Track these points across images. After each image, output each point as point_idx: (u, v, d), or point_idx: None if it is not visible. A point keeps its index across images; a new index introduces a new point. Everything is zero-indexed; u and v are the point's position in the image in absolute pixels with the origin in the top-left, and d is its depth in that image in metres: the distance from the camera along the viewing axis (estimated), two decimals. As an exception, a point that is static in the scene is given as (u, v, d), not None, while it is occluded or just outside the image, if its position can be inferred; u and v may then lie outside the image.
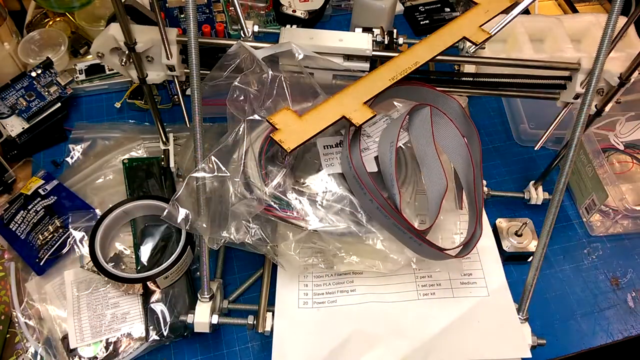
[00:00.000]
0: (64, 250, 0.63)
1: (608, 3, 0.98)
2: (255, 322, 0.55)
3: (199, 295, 0.56)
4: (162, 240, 0.62)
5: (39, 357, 0.56)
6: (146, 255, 0.61)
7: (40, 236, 0.63)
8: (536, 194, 0.69)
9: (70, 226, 0.64)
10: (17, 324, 0.58)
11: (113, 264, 0.61)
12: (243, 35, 0.59)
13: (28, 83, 0.75)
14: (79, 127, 0.76)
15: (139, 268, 0.60)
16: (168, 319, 0.58)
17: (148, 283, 0.58)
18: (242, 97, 0.55)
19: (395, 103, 0.58)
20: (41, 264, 0.61)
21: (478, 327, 0.54)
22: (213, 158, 0.51)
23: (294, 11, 0.84)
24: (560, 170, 0.51)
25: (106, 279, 0.59)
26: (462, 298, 0.56)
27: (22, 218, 0.64)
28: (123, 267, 0.61)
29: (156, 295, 0.59)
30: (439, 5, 0.96)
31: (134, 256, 0.62)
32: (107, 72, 0.80)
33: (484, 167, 0.61)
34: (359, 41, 0.55)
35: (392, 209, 0.50)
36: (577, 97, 0.56)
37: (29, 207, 0.65)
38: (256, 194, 0.51)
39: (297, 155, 0.56)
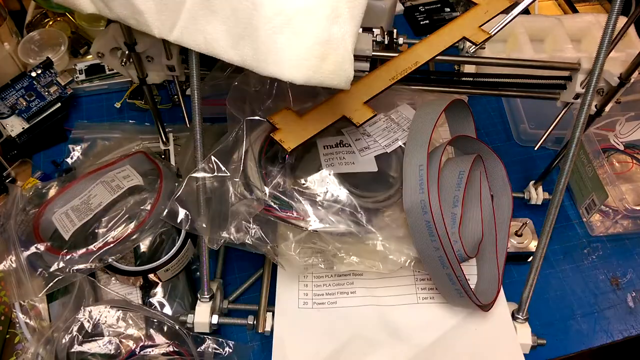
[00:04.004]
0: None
1: (608, 3, 0.98)
2: (255, 322, 0.55)
3: (199, 295, 0.56)
4: (160, 235, 0.62)
5: (39, 357, 0.56)
6: (145, 250, 0.61)
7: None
8: (536, 194, 0.69)
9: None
10: (17, 324, 0.58)
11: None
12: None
13: (28, 83, 0.75)
14: (79, 127, 0.76)
15: (138, 262, 0.60)
16: (169, 312, 0.58)
17: (149, 276, 0.59)
18: (242, 97, 0.55)
19: (396, 102, 0.58)
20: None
21: (475, 334, 0.54)
22: (213, 158, 0.51)
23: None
24: (560, 170, 0.51)
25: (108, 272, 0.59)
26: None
27: (21, 218, 0.64)
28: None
29: (156, 290, 0.60)
30: (439, 5, 0.96)
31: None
32: (107, 72, 0.80)
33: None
34: (359, 41, 0.55)
35: (457, 262, 0.50)
36: (577, 97, 0.56)
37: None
38: (256, 194, 0.51)
39: (297, 155, 0.56)
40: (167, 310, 0.59)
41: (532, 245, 0.65)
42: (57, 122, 0.75)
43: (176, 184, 0.59)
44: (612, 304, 0.65)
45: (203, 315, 0.55)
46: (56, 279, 0.55)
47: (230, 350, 0.56)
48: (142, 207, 0.60)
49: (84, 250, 0.56)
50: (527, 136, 0.77)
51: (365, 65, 0.51)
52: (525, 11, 0.57)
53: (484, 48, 0.71)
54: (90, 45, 0.75)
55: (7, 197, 0.63)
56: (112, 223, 0.59)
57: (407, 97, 0.58)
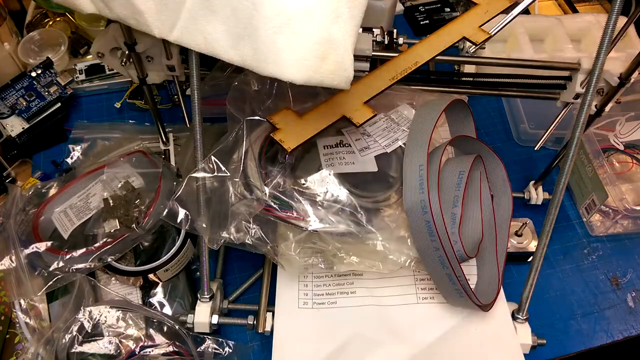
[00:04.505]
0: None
1: (608, 3, 0.98)
2: (255, 322, 0.55)
3: (199, 295, 0.56)
4: (160, 235, 0.62)
5: (39, 357, 0.56)
6: (145, 250, 0.61)
7: (40, 236, 0.63)
8: (536, 194, 0.69)
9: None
10: (17, 324, 0.58)
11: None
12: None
13: (28, 83, 0.75)
14: (79, 127, 0.76)
15: (138, 262, 0.60)
16: (169, 312, 0.59)
17: (149, 276, 0.59)
18: (242, 97, 0.55)
19: (396, 102, 0.58)
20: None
21: (475, 334, 0.54)
22: (213, 158, 0.51)
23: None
24: (560, 170, 0.51)
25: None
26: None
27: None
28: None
29: (156, 290, 0.60)
30: (439, 5, 0.96)
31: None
32: (107, 72, 0.80)
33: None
34: (359, 41, 0.55)
35: (457, 262, 0.50)
36: (577, 97, 0.56)
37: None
38: (256, 194, 0.51)
39: (297, 155, 0.56)
40: (167, 310, 0.59)
41: (532, 245, 0.65)
42: (57, 122, 0.76)
43: (175, 184, 0.59)
44: (612, 304, 0.65)
45: (203, 315, 0.55)
46: (55, 278, 0.55)
47: (230, 350, 0.56)
48: (142, 207, 0.60)
49: (83, 249, 0.56)
50: (527, 136, 0.77)
51: (365, 65, 0.51)
52: (525, 11, 0.57)
53: (484, 48, 0.71)
54: (90, 45, 0.75)
55: (7, 197, 0.63)
56: (112, 223, 0.59)
57: (407, 97, 0.58)
